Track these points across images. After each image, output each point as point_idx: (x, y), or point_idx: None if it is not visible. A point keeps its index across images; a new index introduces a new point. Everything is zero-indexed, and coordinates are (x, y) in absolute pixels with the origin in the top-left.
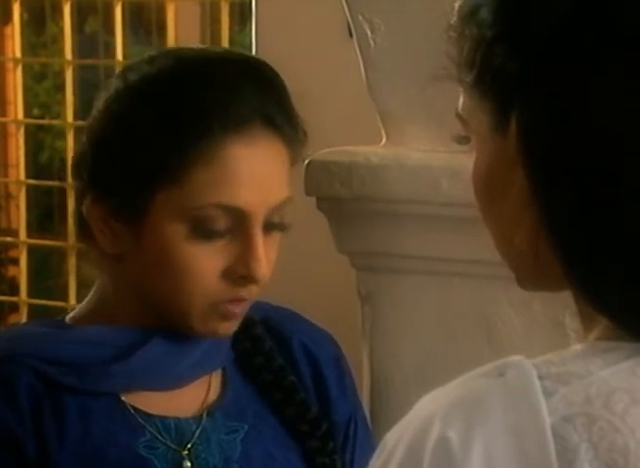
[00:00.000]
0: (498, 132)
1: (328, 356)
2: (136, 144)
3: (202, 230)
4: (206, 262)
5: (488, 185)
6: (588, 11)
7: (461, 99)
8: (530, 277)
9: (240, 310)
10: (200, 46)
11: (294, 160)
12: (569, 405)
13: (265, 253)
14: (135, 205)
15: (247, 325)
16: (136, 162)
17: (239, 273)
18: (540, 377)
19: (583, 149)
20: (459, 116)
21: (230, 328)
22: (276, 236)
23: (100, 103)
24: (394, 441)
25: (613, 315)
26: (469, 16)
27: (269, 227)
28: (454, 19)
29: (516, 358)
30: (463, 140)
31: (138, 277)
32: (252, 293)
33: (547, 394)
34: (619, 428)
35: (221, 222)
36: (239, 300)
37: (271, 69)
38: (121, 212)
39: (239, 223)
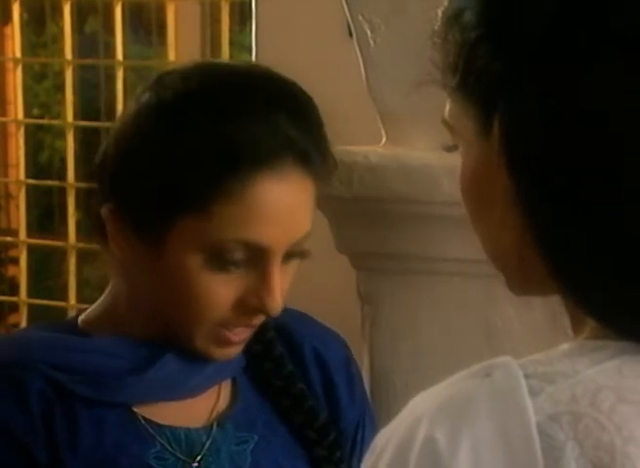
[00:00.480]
0: (482, 135)
1: (338, 360)
2: (163, 168)
3: (219, 261)
4: (219, 292)
5: (474, 189)
6: (579, 9)
7: (447, 106)
8: (516, 279)
9: (240, 339)
10: (236, 63)
11: (321, 190)
12: (555, 403)
13: (281, 283)
14: (155, 225)
15: (260, 328)
16: (161, 184)
17: (252, 306)
18: (527, 377)
19: (578, 149)
20: (445, 122)
21: (230, 353)
22: (294, 263)
23: (129, 113)
24: (383, 442)
25: (598, 314)
26: (453, 19)
27: (289, 257)
28: (437, 25)
29: (503, 358)
30: (452, 148)
31: (149, 289)
32: (260, 321)
33: (533, 393)
34: (605, 426)
35: (240, 255)
36: (246, 327)
37: (306, 94)
38: (139, 228)
39: (258, 257)
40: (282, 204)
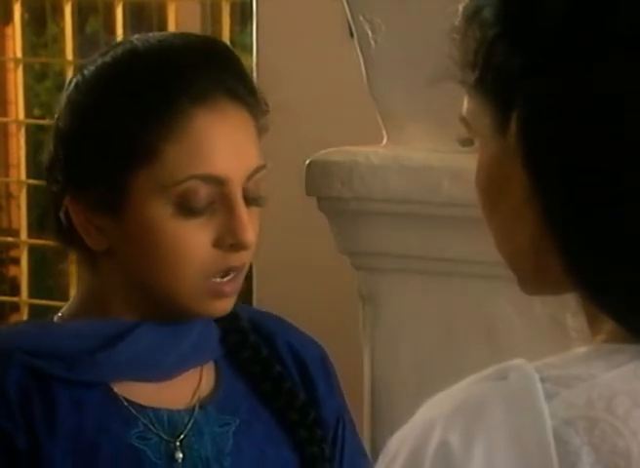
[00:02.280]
0: (499, 132)
1: (314, 356)
2: (104, 131)
3: (186, 207)
4: (195, 237)
5: (490, 186)
6: (592, 9)
7: (465, 102)
8: (531, 278)
9: (231, 288)
10: (150, 33)
11: (260, 130)
12: (570, 408)
13: (250, 223)
14: (113, 192)
15: (233, 319)
16: (107, 148)
17: (228, 242)
18: (542, 380)
19: (595, 146)
20: (462, 119)
21: (225, 307)
22: (255, 211)
23: (61, 103)
24: (396, 446)
25: (615, 315)
26: (472, 16)
27: (248, 201)
28: (457, 21)
29: (518, 361)
30: (467, 143)
31: (128, 268)
32: (242, 261)
33: (549, 397)
34: (620, 431)
35: (203, 195)
36: (231, 271)
37: (227, 47)
38: (101, 202)
39: (220, 194)
40: (223, 134)
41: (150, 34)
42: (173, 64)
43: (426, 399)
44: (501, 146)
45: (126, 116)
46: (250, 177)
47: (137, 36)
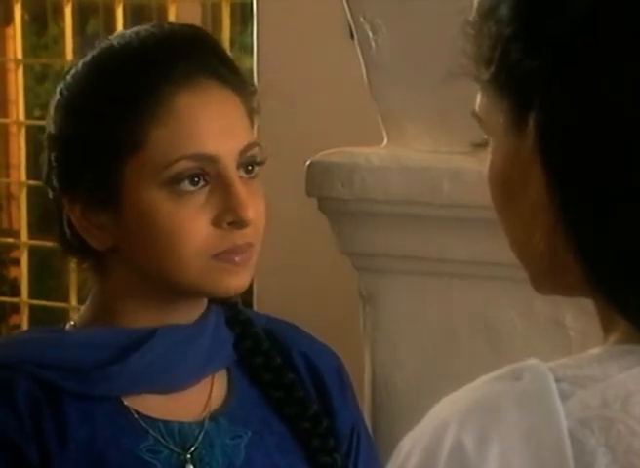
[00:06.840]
0: (514, 130)
1: (329, 366)
2: (90, 128)
3: (180, 188)
4: (194, 217)
5: (504, 184)
6: (611, 9)
7: (478, 98)
8: (546, 279)
9: (241, 259)
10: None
11: (249, 110)
12: (585, 408)
13: (250, 199)
14: (107, 187)
15: (247, 324)
16: (95, 145)
17: (227, 220)
18: (557, 380)
19: (606, 149)
20: (475, 115)
21: (239, 283)
22: (255, 186)
23: (50, 111)
24: (409, 447)
25: (631, 316)
26: (488, 12)
27: (246, 170)
28: (472, 16)
29: (532, 361)
30: (480, 146)
31: (135, 261)
32: (246, 239)
33: (564, 397)
34: (636, 431)
35: (194, 172)
36: (236, 249)
37: (205, 32)
38: (97, 200)
39: (214, 173)
40: (208, 113)
41: (128, 30)
42: (150, 53)
43: (427, 399)
44: (517, 144)
45: (109, 110)
46: (243, 154)
47: (109, 38)
